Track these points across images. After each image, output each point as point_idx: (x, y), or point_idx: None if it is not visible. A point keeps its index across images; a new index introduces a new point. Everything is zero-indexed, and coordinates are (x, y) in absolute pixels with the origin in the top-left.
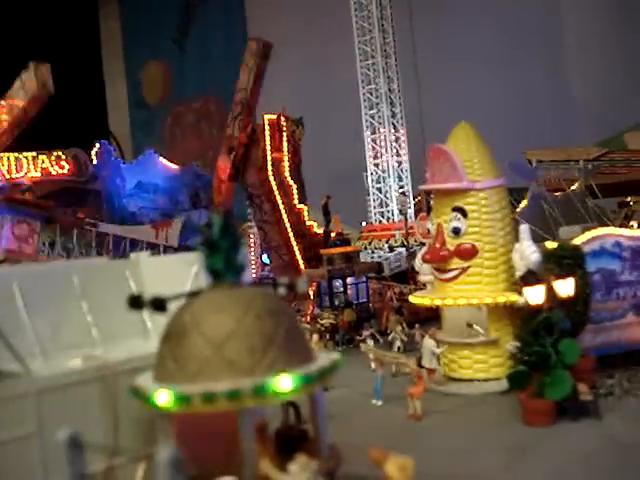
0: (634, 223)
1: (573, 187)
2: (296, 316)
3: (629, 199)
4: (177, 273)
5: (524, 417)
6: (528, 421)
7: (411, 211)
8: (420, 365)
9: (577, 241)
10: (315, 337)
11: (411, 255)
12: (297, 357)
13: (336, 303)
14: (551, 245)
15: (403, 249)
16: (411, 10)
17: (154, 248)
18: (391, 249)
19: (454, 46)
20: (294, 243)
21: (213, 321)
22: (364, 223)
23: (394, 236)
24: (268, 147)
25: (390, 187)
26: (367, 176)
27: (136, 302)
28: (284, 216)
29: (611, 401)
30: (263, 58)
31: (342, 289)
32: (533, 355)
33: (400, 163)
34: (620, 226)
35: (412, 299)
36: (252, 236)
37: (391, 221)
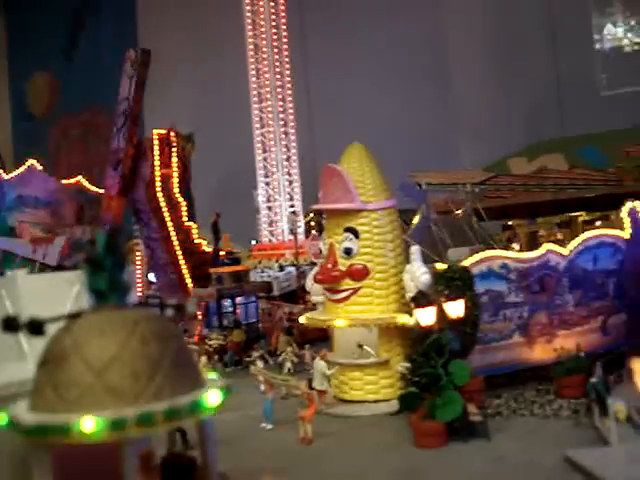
0: (516, 245)
1: (460, 210)
2: (185, 339)
3: (512, 222)
4: (57, 293)
5: (415, 439)
6: (419, 443)
7: (301, 230)
8: (311, 387)
9: (466, 263)
10: (203, 358)
11: (301, 275)
12: (185, 383)
13: (225, 323)
14: (441, 266)
15: (293, 268)
16: (304, 29)
17: (29, 264)
18: (281, 268)
19: (346, 65)
20: (182, 261)
21: (95, 345)
22: (254, 242)
23: (284, 255)
24: (157, 162)
25: (281, 206)
26: (257, 194)
27: (11, 324)
28: (172, 233)
29: (499, 421)
30: (143, 66)
31: (231, 309)
32: (424, 376)
33: (291, 182)
34: (504, 248)
35: (303, 320)
36: (139, 254)
37: (281, 240)
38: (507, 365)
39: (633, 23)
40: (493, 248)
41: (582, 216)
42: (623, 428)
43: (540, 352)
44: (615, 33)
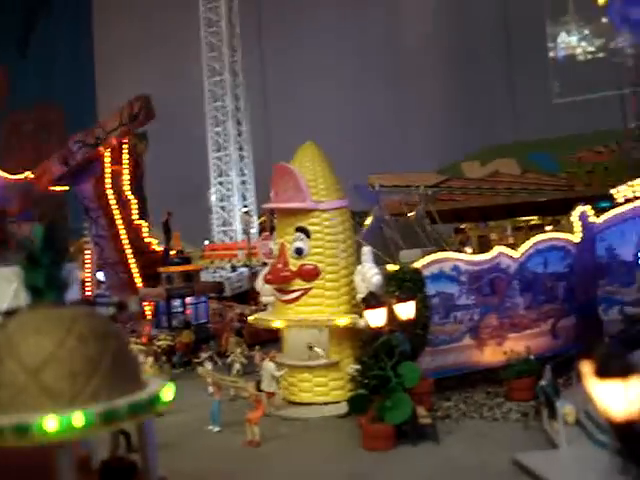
0: (469, 249)
1: (413, 212)
2: (126, 339)
3: (464, 225)
4: None
5: (364, 442)
6: (368, 446)
7: (255, 230)
8: (259, 389)
9: (417, 264)
10: (150, 359)
11: (254, 275)
12: (125, 384)
13: (174, 324)
14: (392, 268)
15: (246, 269)
16: (260, 28)
17: None
18: (233, 269)
19: (303, 66)
20: (132, 260)
21: (30, 343)
22: (207, 242)
23: (237, 256)
24: (107, 159)
25: (234, 206)
26: (211, 194)
27: None
28: (122, 231)
29: (448, 424)
30: (136, 121)
31: (181, 309)
32: (373, 378)
33: (245, 182)
34: (456, 251)
35: (251, 320)
36: (88, 252)
37: (234, 240)
38: (457, 367)
39: (587, 32)
40: (445, 250)
41: (534, 220)
42: (572, 431)
43: (490, 355)
44: (569, 42)
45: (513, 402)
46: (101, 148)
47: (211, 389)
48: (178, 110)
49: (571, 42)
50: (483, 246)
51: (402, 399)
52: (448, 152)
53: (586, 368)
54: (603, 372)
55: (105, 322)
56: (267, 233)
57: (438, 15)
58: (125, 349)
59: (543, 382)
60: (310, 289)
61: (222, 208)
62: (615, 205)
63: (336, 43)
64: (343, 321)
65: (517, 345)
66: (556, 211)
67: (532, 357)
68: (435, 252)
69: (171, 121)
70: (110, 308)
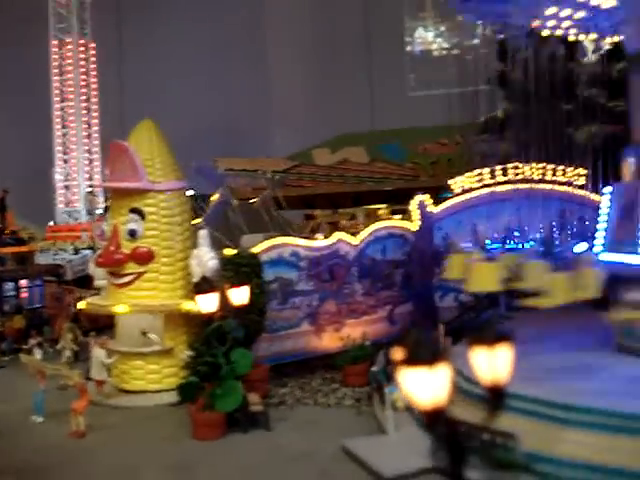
0: (320, 235)
1: (257, 197)
2: None
3: (316, 212)
4: None
5: (194, 431)
6: (198, 435)
7: (100, 212)
8: (88, 377)
9: (256, 249)
10: None
11: None
12: None
13: (6, 308)
14: (230, 252)
15: (89, 251)
16: (119, 9)
17: None
18: (76, 251)
19: (159, 44)
20: None
21: None
22: (52, 223)
23: (80, 238)
24: None
25: (79, 185)
26: (55, 172)
27: None
28: None
29: (283, 411)
30: None
31: (14, 293)
32: (204, 365)
33: (91, 161)
34: (304, 237)
35: (81, 305)
36: None
37: (79, 222)
38: (295, 353)
39: (443, 29)
40: (290, 236)
41: (382, 209)
42: (401, 416)
43: (328, 341)
44: (425, 37)
45: (348, 388)
46: None
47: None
48: (21, 83)
49: (427, 38)
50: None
51: (233, 386)
52: (305, 139)
53: (397, 355)
54: (410, 359)
55: None
56: (101, 214)
57: (300, 3)
58: None
59: (375, 368)
60: (144, 273)
61: (66, 187)
62: (454, 195)
63: (196, 24)
64: (178, 306)
65: (355, 331)
66: (402, 200)
67: (368, 343)
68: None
69: (14, 94)
70: None
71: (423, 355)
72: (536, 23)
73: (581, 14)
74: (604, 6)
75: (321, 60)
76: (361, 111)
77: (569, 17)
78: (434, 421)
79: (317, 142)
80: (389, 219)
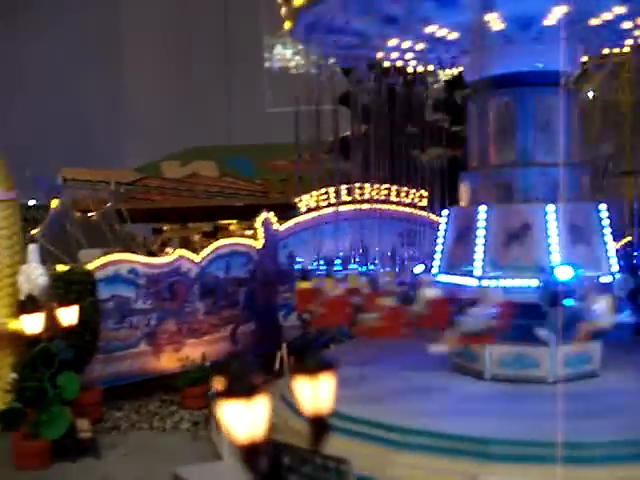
0: (170, 249)
1: (97, 210)
2: None
3: (165, 227)
4: None
5: (16, 460)
6: (21, 465)
7: None
8: None
9: (90, 266)
10: None
11: None
12: None
13: None
14: (61, 269)
15: None
16: None
17: None
18: None
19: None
20: None
21: None
22: None
23: None
24: None
25: None
26: None
27: None
28: None
29: (115, 436)
30: None
31: None
32: (28, 390)
33: None
34: (149, 253)
35: None
36: None
37: None
38: (133, 375)
39: (301, 47)
40: (133, 251)
41: (233, 224)
42: None
43: (167, 361)
44: (284, 54)
45: (187, 410)
46: None
47: None
48: None
49: (286, 55)
50: (186, 248)
51: (59, 412)
52: (159, 150)
53: (217, 385)
54: (227, 391)
55: None
56: None
57: (159, 11)
58: None
59: (213, 390)
60: None
61: None
62: (300, 214)
63: (52, 23)
64: (3, 325)
65: (195, 351)
66: (252, 216)
67: (207, 363)
68: (118, 253)
69: None
70: None
71: (240, 387)
72: (380, 55)
73: (421, 46)
74: (449, 38)
75: (179, 70)
76: (217, 125)
77: (411, 49)
78: (251, 455)
79: (167, 154)
80: (242, 235)
